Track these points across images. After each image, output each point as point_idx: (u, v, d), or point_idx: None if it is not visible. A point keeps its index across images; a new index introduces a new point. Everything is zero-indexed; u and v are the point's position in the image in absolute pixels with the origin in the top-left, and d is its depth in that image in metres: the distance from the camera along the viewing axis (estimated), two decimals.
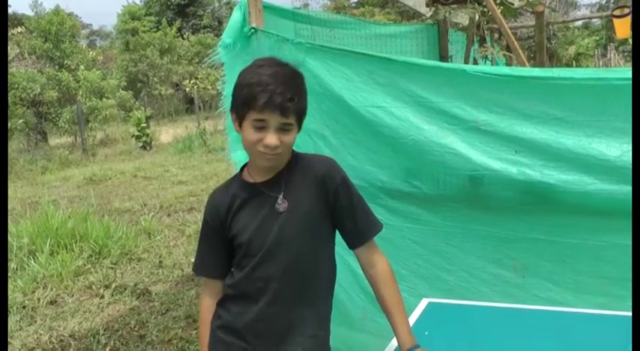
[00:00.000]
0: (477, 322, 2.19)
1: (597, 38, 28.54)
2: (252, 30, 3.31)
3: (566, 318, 2.16)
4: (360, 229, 1.99)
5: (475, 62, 4.66)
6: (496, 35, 5.55)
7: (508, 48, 4.70)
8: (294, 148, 1.97)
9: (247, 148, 1.89)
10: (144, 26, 34.51)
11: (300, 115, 1.87)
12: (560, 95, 2.68)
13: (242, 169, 2.02)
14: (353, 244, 2.01)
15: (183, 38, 35.25)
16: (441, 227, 3.16)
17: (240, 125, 1.87)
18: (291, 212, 1.91)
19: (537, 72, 2.87)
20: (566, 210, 2.77)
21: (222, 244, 2.00)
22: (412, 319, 2.21)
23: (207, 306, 2.06)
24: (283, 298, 1.93)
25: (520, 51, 4.01)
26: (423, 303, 2.37)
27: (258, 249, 1.92)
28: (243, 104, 1.83)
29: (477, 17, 4.63)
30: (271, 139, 1.80)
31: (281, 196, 1.91)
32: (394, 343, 1.93)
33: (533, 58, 5.16)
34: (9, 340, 4.73)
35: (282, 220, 1.90)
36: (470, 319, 2.24)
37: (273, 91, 1.77)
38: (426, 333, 2.09)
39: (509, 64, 4.56)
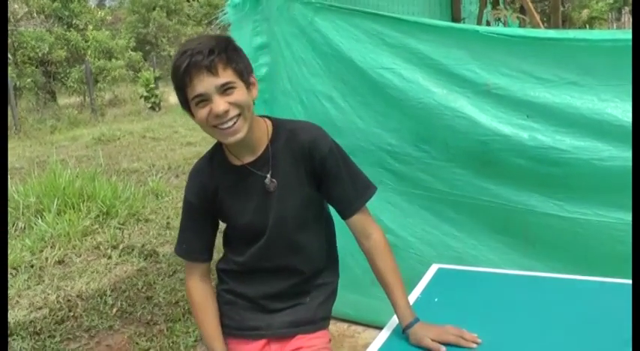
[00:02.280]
0: (487, 289, 2.16)
1: (611, 1, 28.05)
2: None
3: (577, 285, 2.12)
4: (350, 198, 1.89)
5: (488, 24, 4.58)
6: None
7: (521, 10, 4.60)
8: (288, 116, 1.92)
9: (206, 131, 1.73)
10: None
11: (238, 70, 1.69)
12: (574, 58, 2.59)
13: (220, 144, 1.86)
14: (344, 214, 1.91)
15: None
16: (449, 196, 3.10)
17: (192, 115, 1.73)
18: (282, 190, 1.83)
19: (552, 33, 2.79)
20: (578, 182, 2.69)
21: (208, 224, 1.93)
22: (422, 285, 2.18)
23: (200, 290, 1.96)
24: (284, 274, 1.93)
25: (534, 12, 3.91)
26: (433, 269, 2.34)
27: (261, 230, 1.86)
28: (177, 89, 1.70)
29: None
30: (217, 105, 1.64)
31: (269, 176, 1.82)
32: (395, 319, 1.89)
33: (547, 21, 5.06)
34: (17, 299, 4.78)
35: (276, 199, 1.83)
36: (480, 285, 2.20)
37: (191, 54, 1.63)
38: (436, 299, 2.06)
39: (522, 26, 4.47)
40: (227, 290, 2.00)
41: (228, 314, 2.00)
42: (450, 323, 1.77)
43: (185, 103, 1.72)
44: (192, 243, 1.95)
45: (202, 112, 1.67)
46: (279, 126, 1.87)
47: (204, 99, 1.66)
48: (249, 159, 1.83)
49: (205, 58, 1.62)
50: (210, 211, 1.91)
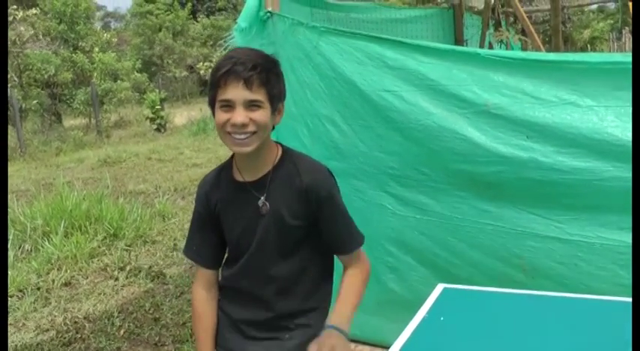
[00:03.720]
0: (493, 309, 2.17)
1: (612, 22, 28.12)
2: (268, 14, 3.31)
3: (581, 304, 2.14)
4: (343, 241, 1.96)
5: (490, 46, 4.63)
6: (511, 19, 5.50)
7: (523, 32, 4.66)
8: (295, 149, 1.96)
9: (219, 133, 1.80)
10: (158, 9, 34.44)
11: (271, 93, 1.76)
12: (574, 79, 2.62)
13: (232, 159, 1.96)
14: (334, 251, 2.00)
15: (197, 21, 35.18)
16: (448, 219, 3.11)
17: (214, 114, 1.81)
18: (272, 215, 1.87)
19: (552, 56, 2.84)
20: (579, 203, 2.69)
21: (215, 234, 1.99)
22: (427, 305, 2.19)
23: (201, 298, 2.03)
24: (266, 299, 1.95)
25: (535, 35, 3.96)
26: (439, 288, 2.35)
27: (245, 248, 1.92)
28: (210, 86, 1.79)
29: (493, 1, 4.58)
30: (238, 116, 1.71)
31: (263, 198, 1.87)
32: (405, 335, 1.91)
33: (549, 42, 5.12)
34: (24, 321, 4.79)
35: (264, 222, 1.88)
36: (486, 305, 2.21)
37: (236, 62, 1.71)
38: (442, 318, 2.08)
39: (524, 48, 4.53)
40: (219, 306, 2.05)
41: (218, 328, 2.05)
42: (458, 343, 1.77)
43: (212, 101, 1.80)
44: (201, 248, 2.03)
45: (223, 117, 1.74)
46: (286, 156, 1.92)
47: (229, 105, 1.73)
48: (250, 178, 1.89)
49: (246, 70, 1.70)
50: (214, 222, 1.97)
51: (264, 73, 1.74)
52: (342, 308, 1.89)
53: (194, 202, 2.04)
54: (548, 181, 2.71)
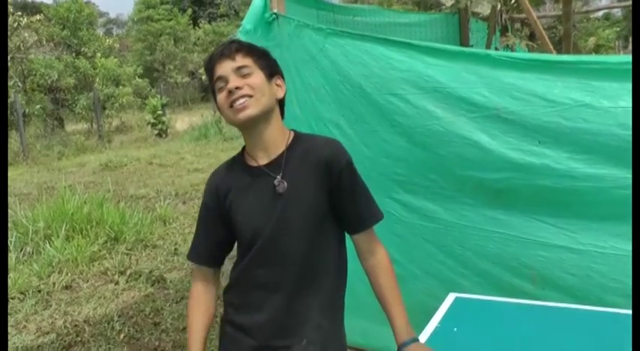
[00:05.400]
0: (505, 318, 2.13)
1: (618, 29, 28.11)
2: (274, 16, 3.28)
3: (596, 316, 2.10)
4: (362, 215, 1.92)
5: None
6: (517, 25, 5.46)
7: (529, 38, 4.62)
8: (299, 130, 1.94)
9: (223, 114, 1.86)
10: (158, 14, 34.54)
11: (257, 61, 1.85)
12: (589, 80, 2.50)
13: (243, 150, 1.95)
14: (353, 229, 1.94)
15: (198, 27, 35.28)
16: (456, 227, 3.02)
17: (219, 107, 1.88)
18: (291, 194, 1.83)
19: (565, 57, 2.77)
20: (593, 212, 2.58)
21: (219, 227, 1.93)
22: (439, 315, 2.16)
23: (196, 292, 1.98)
24: (284, 286, 1.86)
25: (547, 38, 3.92)
26: (450, 298, 2.31)
27: (261, 233, 1.85)
28: (209, 79, 1.89)
29: (499, 6, 4.55)
30: (231, 81, 1.80)
31: (279, 177, 1.83)
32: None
33: (556, 48, 5.07)
34: (24, 323, 4.76)
35: (282, 202, 1.83)
36: (498, 314, 2.17)
37: (224, 47, 1.85)
38: (455, 329, 2.04)
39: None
40: (228, 321, 1.96)
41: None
42: None
43: (213, 91, 1.88)
44: (199, 246, 1.99)
45: (222, 96, 1.82)
46: (299, 137, 1.93)
47: (224, 82, 1.82)
48: (264, 161, 1.87)
49: (227, 49, 1.84)
50: (221, 215, 1.92)
51: (247, 46, 1.87)
52: (402, 317, 1.87)
53: (202, 196, 2.00)
54: (561, 189, 2.61)
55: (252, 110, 1.79)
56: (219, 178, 1.96)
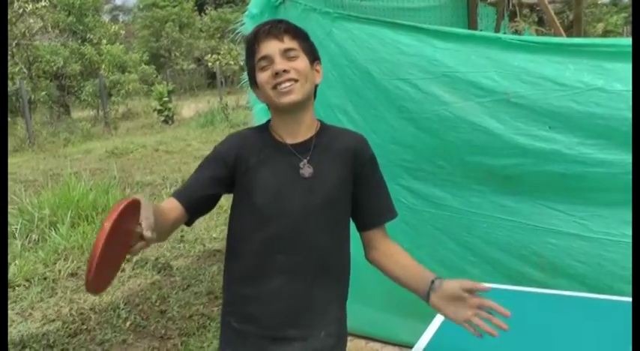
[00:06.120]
0: (515, 307, 2.08)
1: (626, 15, 27.84)
2: None
3: (604, 305, 2.07)
4: (379, 209, 1.90)
5: None
6: (525, 10, 5.39)
7: (538, 23, 4.56)
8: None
9: (264, 96, 1.80)
10: (164, 1, 34.45)
11: (303, 45, 1.81)
12: (601, 63, 2.45)
13: (267, 124, 1.89)
14: (367, 224, 1.89)
15: (205, 13, 35.20)
16: (464, 214, 3.00)
17: (256, 84, 1.82)
18: (317, 179, 1.78)
19: (576, 40, 2.71)
20: (604, 199, 2.55)
21: (214, 180, 1.80)
22: None
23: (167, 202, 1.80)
24: (305, 274, 1.78)
25: (557, 23, 3.86)
26: None
27: (276, 215, 1.77)
28: (247, 55, 1.83)
29: None
30: (278, 63, 1.74)
31: (306, 160, 1.79)
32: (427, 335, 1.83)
33: (566, 34, 5.01)
34: (30, 311, 4.76)
35: (307, 186, 1.77)
36: (510, 304, 2.13)
37: (271, 26, 1.79)
38: None
39: None
40: (233, 314, 1.87)
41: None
42: (483, 345, 1.68)
43: (251, 70, 1.83)
44: (187, 186, 1.83)
45: (265, 75, 1.77)
46: (326, 127, 1.91)
47: (268, 62, 1.76)
48: (291, 141, 1.83)
49: (276, 28, 1.78)
50: (230, 175, 1.81)
51: (294, 28, 1.82)
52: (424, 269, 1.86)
53: (213, 149, 1.87)
54: (572, 175, 2.58)
55: (296, 95, 1.76)
56: (241, 138, 1.88)
